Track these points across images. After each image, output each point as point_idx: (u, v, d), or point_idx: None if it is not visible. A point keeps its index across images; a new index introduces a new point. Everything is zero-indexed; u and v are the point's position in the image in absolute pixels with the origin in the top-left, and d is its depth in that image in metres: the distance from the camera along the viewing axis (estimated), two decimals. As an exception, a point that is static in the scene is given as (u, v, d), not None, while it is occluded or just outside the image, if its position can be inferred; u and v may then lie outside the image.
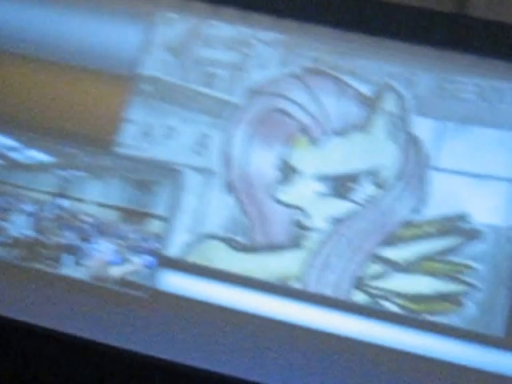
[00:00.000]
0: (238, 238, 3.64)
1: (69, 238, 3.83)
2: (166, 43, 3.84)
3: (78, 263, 3.79)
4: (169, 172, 3.72)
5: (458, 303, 3.47)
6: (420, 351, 3.47)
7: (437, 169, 3.59)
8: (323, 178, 3.62)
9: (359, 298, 3.53)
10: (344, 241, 3.57)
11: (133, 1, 3.90)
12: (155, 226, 3.73)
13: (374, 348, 3.48)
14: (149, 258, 3.71)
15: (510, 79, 3.66)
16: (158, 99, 3.80)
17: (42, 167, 3.91)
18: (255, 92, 3.75)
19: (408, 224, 3.56)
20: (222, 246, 3.63)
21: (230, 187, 3.67)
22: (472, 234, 3.51)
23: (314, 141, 3.65)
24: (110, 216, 3.82)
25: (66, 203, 3.87)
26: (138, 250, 3.75)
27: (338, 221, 3.59)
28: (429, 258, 3.52)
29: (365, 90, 3.69)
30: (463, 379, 3.43)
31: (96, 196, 3.85)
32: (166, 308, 3.64)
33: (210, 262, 3.62)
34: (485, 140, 3.59)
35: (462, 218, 3.53)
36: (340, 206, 3.60)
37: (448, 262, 3.51)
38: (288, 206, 3.62)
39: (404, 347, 3.48)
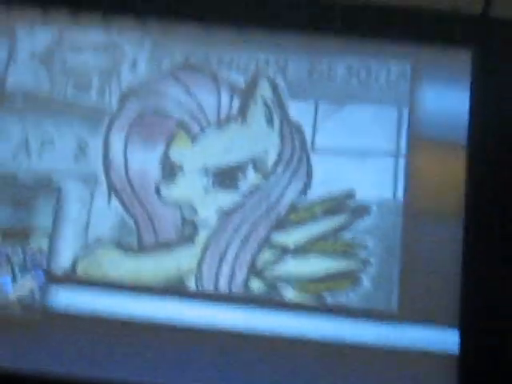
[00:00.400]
0: (127, 241, 3.56)
1: None
2: (32, 56, 3.75)
3: None
4: (48, 185, 3.61)
5: (354, 280, 3.49)
6: (317, 335, 3.46)
7: (318, 150, 3.61)
8: (207, 172, 3.59)
9: (255, 286, 3.50)
10: (234, 231, 3.54)
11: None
12: (40, 242, 3.60)
13: (271, 338, 3.45)
14: (38, 276, 3.58)
15: (378, 57, 3.72)
16: (30, 112, 3.68)
17: None
18: (129, 95, 3.70)
19: (296, 207, 3.57)
20: (111, 251, 3.55)
21: (114, 191, 3.59)
22: (360, 211, 3.54)
23: (193, 136, 3.62)
24: None
25: None
26: (25, 269, 3.61)
27: (226, 212, 3.56)
28: (320, 238, 3.53)
29: (238, 80, 3.69)
30: (362, 358, 3.44)
31: None
32: (60, 326, 3.51)
33: (102, 268, 3.53)
34: (360, 117, 3.64)
35: (348, 195, 3.56)
36: (227, 198, 3.58)
37: (339, 241, 3.53)
38: (174, 203, 3.58)
39: (299, 333, 3.46)
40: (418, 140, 3.64)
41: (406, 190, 3.58)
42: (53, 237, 3.58)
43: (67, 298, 3.53)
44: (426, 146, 3.64)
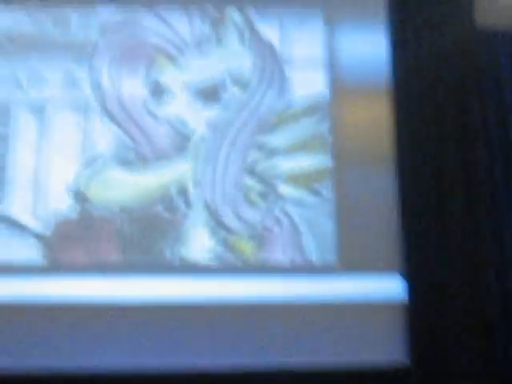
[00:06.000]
0: (126, 156, 3.82)
1: None
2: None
3: None
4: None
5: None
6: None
7: (290, 61, 3.97)
8: (191, 90, 3.89)
9: (250, 183, 3.80)
10: (223, 137, 3.86)
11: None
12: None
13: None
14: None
15: None
16: (17, 49, 3.92)
17: None
18: (107, 27, 3.97)
19: (278, 112, 3.90)
20: (113, 165, 3.79)
21: (108, 114, 3.85)
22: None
23: (173, 59, 3.92)
24: None
25: None
26: None
27: (213, 122, 3.87)
28: (302, 136, 3.87)
29: (208, 9, 4.02)
30: (308, 315, 3.74)
31: None
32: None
33: (106, 181, 3.77)
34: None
35: (322, 96, 3.92)
36: (213, 111, 3.90)
37: (318, 137, 3.88)
38: (165, 118, 3.86)
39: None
40: (341, 87, 3.97)
41: (333, 135, 3.92)
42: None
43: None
44: (349, 92, 3.97)
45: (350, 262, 3.78)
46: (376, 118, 3.95)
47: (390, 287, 3.78)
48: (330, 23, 4.03)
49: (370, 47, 4.03)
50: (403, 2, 4.08)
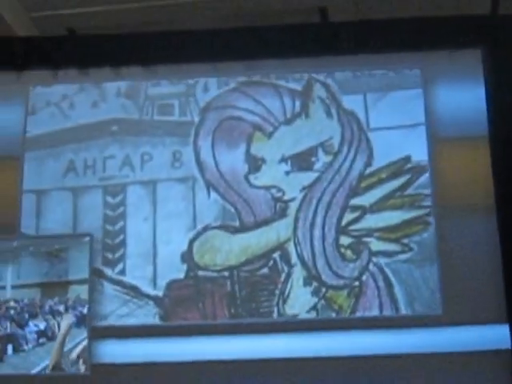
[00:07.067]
0: (231, 224, 4.22)
1: (5, 328, 4.16)
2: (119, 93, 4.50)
3: (19, 350, 4.12)
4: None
5: (425, 222, 4.17)
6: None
7: (373, 129, 4.36)
8: (285, 159, 4.30)
9: (345, 241, 4.16)
10: (318, 201, 4.23)
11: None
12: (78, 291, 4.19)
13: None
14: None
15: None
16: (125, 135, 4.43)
17: None
18: (207, 109, 4.44)
19: (365, 176, 4.27)
20: (220, 233, 4.19)
21: (212, 187, 4.29)
22: (417, 170, 4.27)
23: (268, 134, 4.35)
24: (33, 294, 4.22)
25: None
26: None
27: (308, 188, 4.26)
28: (389, 196, 4.23)
29: (295, 87, 4.45)
30: (415, 366, 4.01)
31: (13, 280, 4.25)
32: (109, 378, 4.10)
33: (214, 247, 4.20)
34: (400, 99, 4.40)
35: (405, 160, 4.28)
36: (306, 177, 4.28)
37: (405, 196, 4.23)
38: (263, 187, 4.26)
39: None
40: (439, 141, 4.31)
41: (435, 188, 4.24)
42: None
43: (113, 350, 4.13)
44: (448, 145, 4.30)
45: (454, 314, 4.03)
46: (474, 169, 4.24)
47: (495, 336, 4.00)
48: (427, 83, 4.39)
49: (466, 99, 4.35)
50: (498, 58, 4.36)
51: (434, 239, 4.15)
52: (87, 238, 4.20)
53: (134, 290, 4.17)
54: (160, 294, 4.16)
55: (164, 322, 4.12)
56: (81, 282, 4.17)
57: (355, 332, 4.06)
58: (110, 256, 4.25)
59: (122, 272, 4.21)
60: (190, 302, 4.15)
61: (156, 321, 4.12)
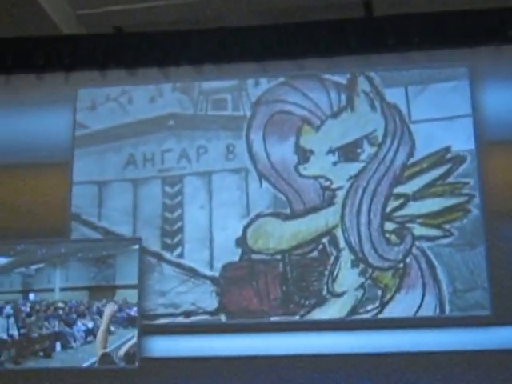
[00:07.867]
0: (282, 211, 4.52)
1: (53, 326, 4.44)
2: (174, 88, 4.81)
3: (67, 347, 4.39)
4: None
5: (465, 209, 4.44)
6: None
7: (415, 121, 4.63)
8: (332, 151, 4.58)
9: (389, 227, 4.45)
10: (364, 190, 4.52)
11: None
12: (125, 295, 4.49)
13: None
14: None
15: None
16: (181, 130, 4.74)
17: (2, 270, 4.58)
18: (258, 103, 4.73)
19: (408, 165, 4.55)
20: (272, 219, 4.50)
21: (263, 177, 4.59)
22: (457, 159, 4.53)
23: (315, 127, 4.63)
24: (81, 297, 4.51)
25: (36, 297, 4.52)
26: (118, 322, 4.43)
27: (354, 178, 4.54)
28: (431, 185, 4.50)
29: (341, 81, 4.73)
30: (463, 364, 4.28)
31: (62, 282, 4.56)
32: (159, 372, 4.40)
33: (267, 233, 4.50)
34: (440, 92, 4.67)
35: (445, 150, 4.55)
36: (352, 167, 4.57)
37: (446, 184, 4.50)
38: (312, 177, 4.55)
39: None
40: (487, 142, 4.54)
41: (481, 191, 4.47)
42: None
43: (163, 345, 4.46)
44: (491, 143, 4.53)
45: (503, 313, 4.29)
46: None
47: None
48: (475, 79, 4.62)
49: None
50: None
51: (474, 226, 4.42)
52: (137, 246, 4.49)
53: (192, 271, 4.49)
54: (216, 274, 4.47)
55: (220, 298, 4.45)
56: (128, 286, 4.46)
57: (414, 331, 4.36)
58: (168, 241, 4.57)
59: (181, 255, 4.53)
60: (244, 282, 4.47)
61: (213, 298, 4.44)
